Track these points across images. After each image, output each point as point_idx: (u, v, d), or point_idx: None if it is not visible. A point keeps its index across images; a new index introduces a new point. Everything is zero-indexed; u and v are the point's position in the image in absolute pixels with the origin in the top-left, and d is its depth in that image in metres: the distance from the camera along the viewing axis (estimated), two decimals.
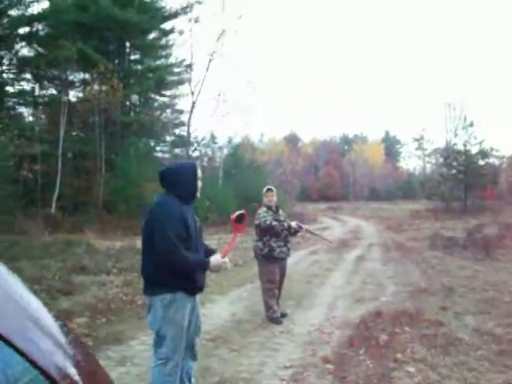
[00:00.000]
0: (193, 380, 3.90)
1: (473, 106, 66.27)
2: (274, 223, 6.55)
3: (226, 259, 3.69)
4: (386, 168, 75.78)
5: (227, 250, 3.74)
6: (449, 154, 34.97)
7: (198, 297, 3.87)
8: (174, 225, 3.48)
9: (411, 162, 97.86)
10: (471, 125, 33.07)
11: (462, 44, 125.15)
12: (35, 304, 0.96)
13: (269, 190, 6.92)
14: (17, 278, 0.92)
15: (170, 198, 3.65)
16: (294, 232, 6.87)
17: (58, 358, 0.91)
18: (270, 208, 6.77)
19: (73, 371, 0.92)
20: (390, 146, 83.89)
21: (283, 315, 6.89)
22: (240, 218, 3.89)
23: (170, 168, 3.79)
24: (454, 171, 33.96)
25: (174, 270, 3.49)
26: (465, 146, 33.56)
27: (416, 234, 19.40)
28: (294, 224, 6.82)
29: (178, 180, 3.66)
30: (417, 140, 77.28)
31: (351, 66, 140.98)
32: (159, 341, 3.60)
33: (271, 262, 6.69)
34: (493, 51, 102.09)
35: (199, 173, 3.73)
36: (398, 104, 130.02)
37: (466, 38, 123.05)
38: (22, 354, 0.78)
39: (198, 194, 3.77)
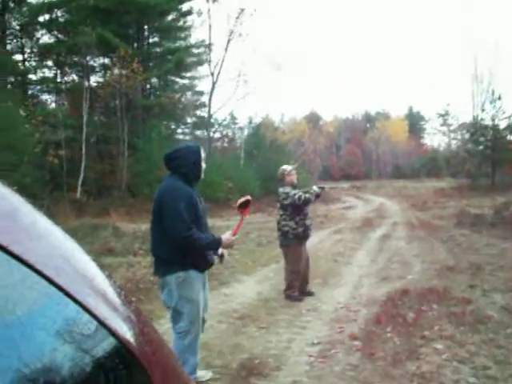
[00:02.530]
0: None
1: (501, 79, 64.90)
2: (308, 195, 6.49)
3: (236, 237, 3.83)
4: (409, 145, 74.80)
5: (236, 230, 3.88)
6: (476, 129, 34.19)
7: (206, 273, 4.00)
8: (187, 206, 3.60)
9: (436, 138, 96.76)
10: (499, 98, 32.24)
11: (490, 11, 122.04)
12: (89, 262, 1.01)
13: (292, 168, 6.92)
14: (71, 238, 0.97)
15: (178, 180, 3.75)
16: (318, 196, 6.82)
17: (120, 319, 0.95)
18: (294, 187, 6.76)
19: (133, 335, 0.97)
20: (414, 123, 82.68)
21: (310, 294, 6.94)
22: (244, 204, 4.00)
23: (176, 150, 3.84)
24: (480, 147, 33.23)
25: (190, 249, 3.63)
26: (493, 120, 32.70)
27: (441, 212, 19.19)
28: (316, 188, 6.79)
29: (184, 162, 3.75)
30: (442, 116, 76.28)
31: (373, 41, 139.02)
32: (176, 317, 3.76)
33: (300, 243, 6.71)
34: None
35: (203, 154, 3.83)
36: (421, 79, 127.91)
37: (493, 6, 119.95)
38: (89, 312, 0.82)
39: (202, 175, 3.88)
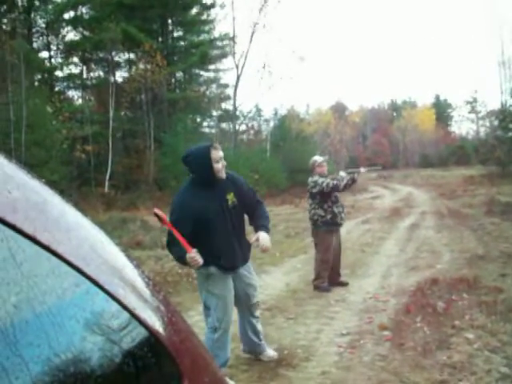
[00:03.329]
0: (260, 329, 4.23)
1: None
2: (336, 182, 6.47)
3: (192, 254, 3.45)
4: (437, 133, 73.85)
5: (186, 245, 3.50)
6: (505, 115, 33.53)
7: (249, 266, 4.04)
8: (178, 214, 3.64)
9: (464, 126, 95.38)
10: None
11: None
12: (118, 253, 1.02)
13: (323, 160, 6.89)
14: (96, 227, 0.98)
15: (191, 182, 3.81)
16: (353, 181, 6.76)
17: (148, 309, 0.97)
18: (322, 176, 6.73)
19: (162, 324, 0.98)
20: (441, 111, 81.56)
21: (343, 284, 6.93)
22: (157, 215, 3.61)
23: (185, 155, 3.82)
24: (510, 134, 32.68)
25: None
26: None
27: (471, 201, 18.89)
28: (343, 173, 6.74)
29: (194, 165, 3.74)
30: (469, 103, 75.08)
31: (398, 29, 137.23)
32: (206, 311, 3.85)
33: (330, 231, 6.69)
34: None
35: (215, 155, 3.67)
36: (448, 66, 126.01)
37: None
38: (118, 302, 0.84)
39: (222, 175, 3.75)
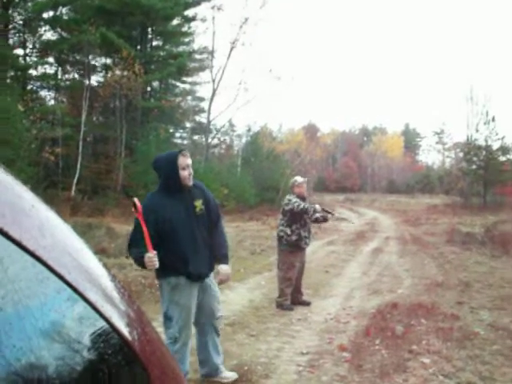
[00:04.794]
0: (220, 350, 4.13)
1: (495, 101, 65.63)
2: (307, 206, 6.56)
3: (151, 254, 3.42)
4: (404, 161, 75.30)
5: (149, 244, 3.47)
6: (469, 149, 34.54)
7: (212, 278, 3.97)
8: (136, 224, 3.60)
9: (430, 155, 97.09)
10: (493, 120, 32.62)
11: (483, 38, 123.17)
12: (96, 262, 1.04)
13: (303, 181, 6.96)
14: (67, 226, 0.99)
15: (158, 190, 3.83)
16: (324, 220, 6.91)
17: (123, 318, 0.99)
18: (303, 199, 6.81)
19: (135, 334, 1.00)
20: (410, 139, 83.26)
21: (307, 303, 7.00)
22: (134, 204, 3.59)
23: (157, 159, 3.86)
24: (474, 166, 33.59)
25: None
26: (486, 141, 33.09)
27: (433, 229, 19.28)
28: (318, 207, 6.85)
29: (162, 170, 3.77)
30: (437, 134, 76.83)
31: (372, 57, 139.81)
32: (167, 322, 3.77)
33: (294, 251, 6.77)
34: None
35: (183, 161, 3.68)
36: (418, 97, 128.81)
37: (486, 33, 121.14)
38: (96, 310, 0.86)
39: (188, 182, 3.75)
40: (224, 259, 3.95)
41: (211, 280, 3.96)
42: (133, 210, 3.57)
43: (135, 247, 3.59)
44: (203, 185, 4.08)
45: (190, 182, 3.77)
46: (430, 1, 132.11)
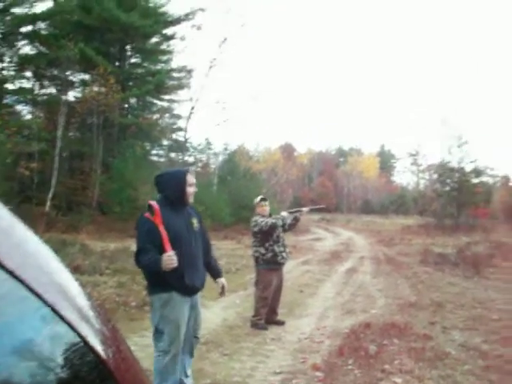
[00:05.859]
0: (189, 373, 4.11)
1: (469, 125, 66.96)
2: (274, 221, 6.63)
3: (170, 253, 3.54)
4: (380, 181, 76.13)
5: (167, 245, 3.58)
6: (443, 171, 35.16)
7: (199, 296, 4.07)
8: (147, 231, 3.69)
9: (405, 176, 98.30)
10: (466, 143, 33.34)
11: (459, 61, 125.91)
12: (73, 281, 1.06)
13: (262, 199, 7.02)
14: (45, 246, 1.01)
15: (159, 201, 3.85)
16: (296, 220, 6.95)
17: (99, 337, 1.01)
18: (264, 216, 6.86)
19: (110, 352, 1.02)
20: (385, 160, 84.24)
21: (281, 323, 7.01)
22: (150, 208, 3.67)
23: (164, 173, 4.05)
24: (447, 188, 34.18)
25: (143, 270, 3.84)
26: (459, 163, 33.76)
27: (407, 249, 19.50)
28: (285, 214, 6.92)
29: (168, 184, 3.91)
30: (412, 155, 77.74)
31: (348, 79, 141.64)
32: (158, 336, 3.85)
33: (270, 270, 6.80)
34: (490, 71, 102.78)
35: (190, 179, 3.91)
36: (394, 119, 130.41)
37: (462, 57, 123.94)
38: (72, 328, 0.88)
39: (191, 199, 3.96)
40: (221, 273, 4.33)
41: (199, 299, 4.07)
42: (147, 214, 3.67)
43: (145, 254, 3.65)
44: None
45: (192, 200, 4.00)
46: (406, 23, 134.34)
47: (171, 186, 3.88)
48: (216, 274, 4.27)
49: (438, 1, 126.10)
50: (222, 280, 4.25)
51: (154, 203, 3.66)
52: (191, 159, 33.62)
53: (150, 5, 28.90)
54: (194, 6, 29.06)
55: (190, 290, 3.87)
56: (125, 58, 29.29)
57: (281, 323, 7.03)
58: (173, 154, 33.12)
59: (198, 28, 28.72)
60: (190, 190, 3.91)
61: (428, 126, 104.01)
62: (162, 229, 3.59)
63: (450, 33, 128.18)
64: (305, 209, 7.18)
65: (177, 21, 29.54)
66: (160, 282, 3.70)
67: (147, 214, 3.66)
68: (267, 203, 7.03)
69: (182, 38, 29.80)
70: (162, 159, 32.12)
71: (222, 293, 4.28)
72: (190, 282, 3.80)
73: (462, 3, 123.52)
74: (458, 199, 32.80)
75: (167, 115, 32.23)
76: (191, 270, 3.83)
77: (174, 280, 3.71)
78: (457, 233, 27.68)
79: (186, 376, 4.08)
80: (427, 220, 34.05)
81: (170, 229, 3.71)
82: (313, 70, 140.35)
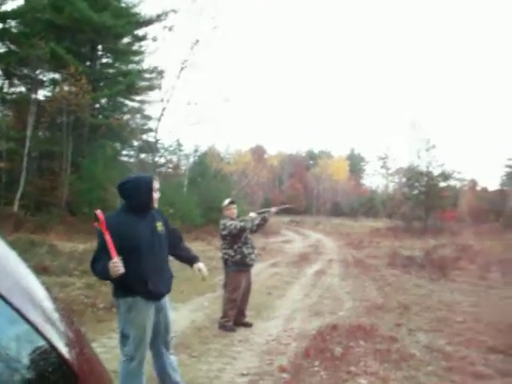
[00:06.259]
0: (177, 368, 4.19)
1: (437, 128, 68.09)
2: (243, 223, 6.71)
3: (115, 259, 3.52)
4: (349, 184, 76.80)
5: (113, 251, 3.57)
6: (411, 174, 35.72)
7: (168, 298, 4.07)
8: (99, 239, 3.72)
9: (375, 179, 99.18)
10: (433, 147, 33.92)
11: (428, 66, 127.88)
12: (38, 285, 1.09)
13: (231, 203, 7.06)
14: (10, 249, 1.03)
15: (121, 209, 3.96)
16: (265, 221, 7.00)
17: (63, 339, 1.04)
18: (232, 218, 6.93)
19: (74, 354, 1.06)
20: (355, 163, 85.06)
21: (249, 325, 7.06)
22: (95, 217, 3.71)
23: (127, 180, 4.00)
24: (415, 192, 34.73)
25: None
26: (427, 167, 34.33)
27: (375, 252, 19.75)
28: (253, 214, 6.99)
29: (134, 191, 3.90)
30: (381, 158, 78.77)
31: (317, 82, 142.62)
32: (123, 340, 3.84)
33: (239, 271, 6.85)
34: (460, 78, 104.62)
35: (155, 185, 3.95)
36: (364, 122, 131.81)
37: (432, 62, 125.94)
38: (37, 331, 0.92)
39: (156, 205, 3.99)
40: (197, 258, 4.33)
41: (166, 301, 4.05)
42: (95, 223, 3.64)
43: (99, 261, 3.66)
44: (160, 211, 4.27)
45: (157, 205, 4.03)
46: (375, 27, 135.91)
47: (137, 193, 3.88)
48: (191, 261, 4.27)
49: (406, 7, 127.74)
50: (199, 264, 4.25)
51: (98, 212, 3.64)
52: (162, 160, 33.38)
53: (122, 5, 28.67)
54: (166, 7, 28.91)
55: (155, 296, 3.87)
56: (96, 58, 28.98)
57: (249, 325, 7.08)
58: (143, 155, 32.89)
59: (170, 29, 28.55)
60: (156, 195, 3.95)
61: (397, 129, 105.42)
62: (107, 236, 3.57)
63: (418, 37, 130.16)
64: (273, 209, 7.23)
65: (149, 21, 29.32)
66: (127, 285, 3.70)
67: (95, 224, 3.65)
68: (235, 206, 7.10)
69: (154, 39, 29.60)
70: (132, 160, 31.86)
71: (203, 278, 4.27)
72: (153, 287, 3.80)
73: (431, 9, 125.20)
74: (425, 202, 33.38)
75: (138, 116, 31.98)
76: (155, 275, 3.82)
77: (138, 286, 3.73)
78: (425, 235, 28.13)
79: (176, 371, 4.15)
80: (396, 223, 34.56)
81: (131, 234, 3.74)
82: (284, 73, 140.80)
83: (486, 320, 7.51)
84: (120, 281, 3.61)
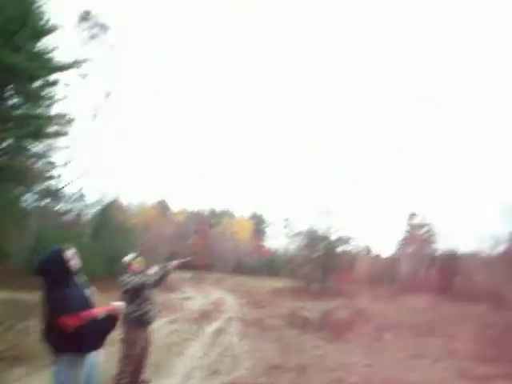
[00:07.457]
0: None
1: (335, 195, 71.09)
2: (144, 279, 6.67)
3: (116, 303, 4.22)
4: (252, 244, 77.79)
5: (104, 309, 4.20)
6: (311, 237, 37.04)
7: (98, 356, 4.39)
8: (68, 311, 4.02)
9: (277, 240, 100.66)
10: (331, 213, 35.70)
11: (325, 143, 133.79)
12: None
13: (134, 258, 7.00)
14: None
15: (56, 287, 4.11)
16: (167, 273, 7.04)
17: None
18: (135, 274, 6.87)
19: None
20: (258, 223, 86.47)
21: (146, 382, 6.96)
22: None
23: (40, 263, 4.19)
24: (315, 254, 35.95)
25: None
26: (326, 232, 35.95)
27: (275, 312, 19.98)
28: (156, 268, 7.01)
29: (51, 270, 4.11)
30: (284, 220, 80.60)
31: (220, 142, 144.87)
32: None
33: (138, 328, 6.75)
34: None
35: (69, 253, 4.21)
36: (267, 184, 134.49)
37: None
38: None
39: (78, 265, 4.30)
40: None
41: (97, 356, 4.38)
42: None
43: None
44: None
45: (79, 264, 4.33)
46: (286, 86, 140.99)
47: (56, 268, 4.06)
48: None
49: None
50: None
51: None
52: (66, 207, 32.35)
53: (36, 50, 28.29)
54: (81, 56, 28.83)
55: (91, 351, 4.20)
56: (5, 98, 28.13)
57: (147, 382, 6.98)
58: (45, 202, 31.77)
59: (83, 77, 28.42)
60: (73, 262, 4.18)
61: (298, 193, 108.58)
62: (93, 312, 4.21)
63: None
64: (174, 262, 7.30)
65: (63, 67, 29.05)
66: (67, 344, 3.98)
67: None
68: (139, 259, 7.04)
69: (66, 85, 29.27)
70: (34, 205, 30.68)
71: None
72: (88, 347, 4.19)
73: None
74: (324, 265, 34.60)
75: (42, 161, 31.06)
76: (89, 334, 4.12)
77: (79, 345, 4.02)
78: (323, 297, 28.88)
79: None
80: (296, 283, 35.31)
81: (77, 306, 4.06)
82: (192, 132, 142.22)
83: (378, 379, 7.87)
84: (61, 340, 3.92)
